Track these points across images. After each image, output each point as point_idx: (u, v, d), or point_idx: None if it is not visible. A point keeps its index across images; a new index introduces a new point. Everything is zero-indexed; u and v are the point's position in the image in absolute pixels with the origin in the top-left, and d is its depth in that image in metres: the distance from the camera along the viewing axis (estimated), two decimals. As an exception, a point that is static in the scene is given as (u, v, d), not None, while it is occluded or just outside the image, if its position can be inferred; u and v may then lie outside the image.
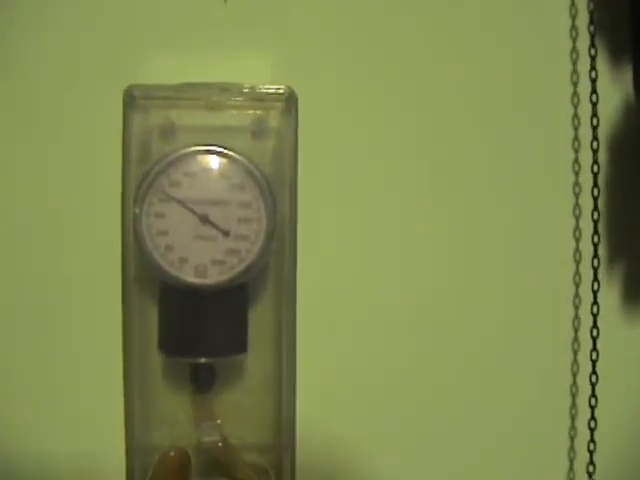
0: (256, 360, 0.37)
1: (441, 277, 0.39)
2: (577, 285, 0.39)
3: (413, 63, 0.39)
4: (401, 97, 0.39)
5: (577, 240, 0.39)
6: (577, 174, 0.39)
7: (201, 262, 0.34)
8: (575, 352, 0.39)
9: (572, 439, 0.39)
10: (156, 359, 0.36)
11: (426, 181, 0.39)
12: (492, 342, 0.39)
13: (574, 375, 0.39)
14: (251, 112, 0.36)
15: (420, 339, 0.39)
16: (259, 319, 0.36)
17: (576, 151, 0.39)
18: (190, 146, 0.35)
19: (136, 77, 0.36)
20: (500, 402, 0.39)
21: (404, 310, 0.39)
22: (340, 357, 0.38)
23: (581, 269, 0.39)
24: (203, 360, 0.35)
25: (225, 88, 0.35)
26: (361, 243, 0.39)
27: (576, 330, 0.39)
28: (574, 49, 0.39)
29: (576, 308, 0.39)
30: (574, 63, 0.39)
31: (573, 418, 0.39)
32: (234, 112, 0.36)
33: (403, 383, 0.39)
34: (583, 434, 0.39)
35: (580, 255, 0.39)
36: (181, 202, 0.34)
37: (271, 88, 0.35)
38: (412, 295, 0.39)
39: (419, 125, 0.39)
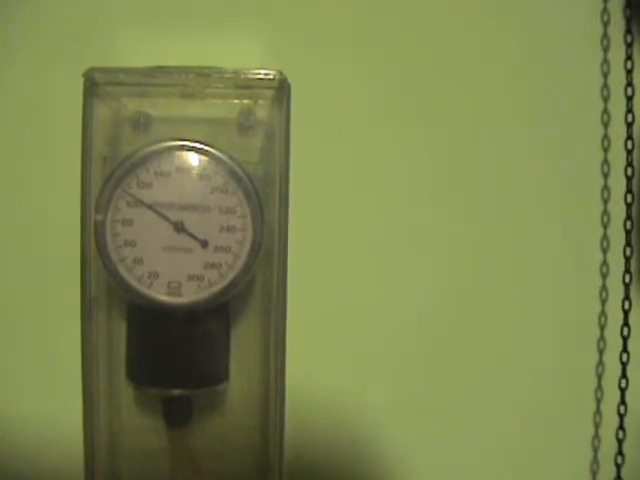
0: (238, 390, 0.33)
1: (458, 289, 0.35)
2: (604, 302, 0.36)
3: (422, 46, 0.35)
4: (410, 87, 0.35)
5: (605, 252, 0.36)
6: (606, 177, 0.36)
7: (175, 278, 0.30)
8: (599, 377, 0.36)
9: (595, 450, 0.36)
10: (124, 390, 0.33)
11: (438, 183, 0.35)
12: (510, 366, 0.35)
13: (597, 403, 0.35)
14: (235, 102, 0.32)
15: (431, 357, 0.35)
16: (241, 343, 0.33)
17: (605, 151, 0.36)
18: (163, 141, 0.31)
19: (100, 60, 0.31)
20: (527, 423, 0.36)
21: (408, 335, 0.35)
22: (335, 386, 0.34)
23: (609, 285, 0.36)
24: (177, 392, 0.31)
25: (204, 73, 0.30)
26: (362, 256, 0.35)
27: (601, 353, 0.36)
28: (605, 35, 0.35)
29: (602, 329, 0.36)
30: (605, 51, 0.36)
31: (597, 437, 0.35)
32: (215, 102, 0.32)
33: (408, 409, 0.35)
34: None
35: (608, 269, 0.36)
36: (152, 207, 0.30)
37: (259, 73, 0.30)
38: (417, 319, 0.35)
39: (429, 119, 0.35)
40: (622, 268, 0.35)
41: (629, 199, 0.35)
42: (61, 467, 0.34)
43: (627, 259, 0.35)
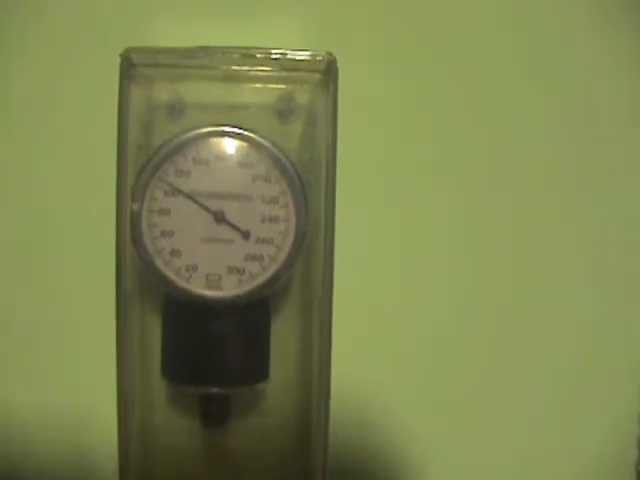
0: (279, 388, 0.31)
1: (504, 300, 0.33)
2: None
3: (477, 31, 0.33)
4: (467, 72, 0.33)
5: None
6: None
7: (214, 271, 0.29)
8: None
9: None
10: (159, 388, 0.31)
11: (499, 177, 0.33)
12: (554, 365, 0.34)
13: None
14: (277, 86, 0.30)
15: (476, 361, 0.33)
16: (281, 339, 0.31)
17: None
18: (201, 127, 0.29)
19: (138, 41, 0.29)
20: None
21: (456, 329, 0.33)
22: (382, 385, 0.32)
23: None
24: (216, 390, 0.30)
25: (249, 54, 0.29)
26: (413, 249, 0.33)
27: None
28: None
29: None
30: None
31: None
32: (258, 85, 0.30)
33: (454, 410, 0.33)
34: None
35: None
36: (191, 196, 0.29)
37: (307, 54, 0.29)
38: (467, 314, 0.33)
39: (487, 107, 0.33)
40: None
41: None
42: (95, 466, 0.32)
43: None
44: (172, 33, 0.31)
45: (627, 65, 0.33)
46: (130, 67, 0.29)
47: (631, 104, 0.33)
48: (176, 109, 0.30)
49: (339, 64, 0.29)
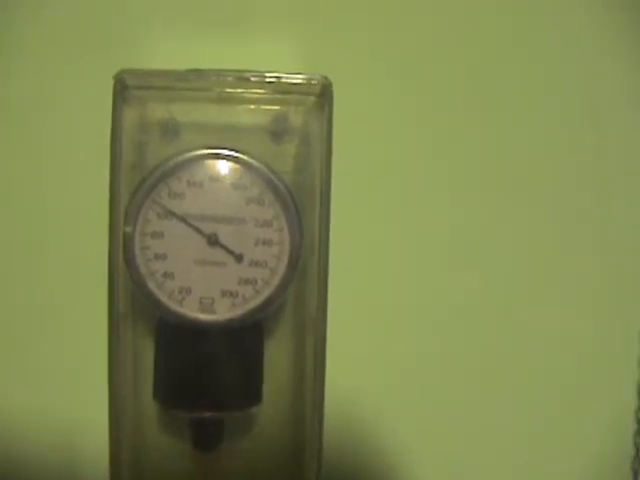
0: (272, 412, 0.31)
1: (506, 299, 0.33)
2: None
3: (472, 48, 0.33)
4: (461, 92, 0.33)
5: None
6: None
7: (208, 294, 0.29)
8: None
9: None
10: (151, 411, 0.31)
11: (487, 193, 0.33)
12: (557, 380, 0.33)
13: None
14: (270, 108, 0.30)
15: (471, 376, 0.33)
16: (274, 363, 0.31)
17: None
18: (195, 149, 0.29)
19: (131, 63, 0.29)
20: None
21: (452, 348, 0.33)
22: (377, 408, 0.32)
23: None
24: (208, 414, 0.29)
25: (243, 77, 0.28)
26: (409, 271, 0.33)
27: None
28: None
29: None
30: None
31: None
32: (252, 107, 0.30)
33: (450, 431, 0.33)
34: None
35: None
36: (184, 219, 0.29)
37: (302, 78, 0.29)
38: (464, 332, 0.33)
39: (481, 124, 0.33)
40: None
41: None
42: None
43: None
44: (166, 55, 0.31)
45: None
46: (123, 89, 0.29)
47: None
48: (170, 130, 0.30)
49: (334, 86, 0.29)
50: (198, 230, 0.29)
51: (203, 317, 0.29)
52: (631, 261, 0.33)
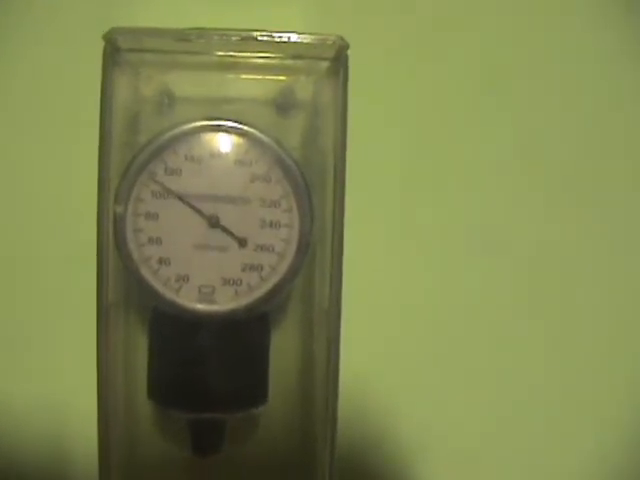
0: (279, 413, 0.29)
1: (535, 294, 0.31)
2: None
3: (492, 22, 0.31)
4: (482, 63, 0.31)
5: None
6: None
7: (207, 282, 0.27)
8: None
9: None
10: (145, 412, 0.29)
11: (519, 175, 0.31)
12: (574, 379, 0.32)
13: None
14: (282, 77, 0.27)
15: (491, 374, 0.31)
16: (282, 358, 0.29)
17: None
18: (195, 120, 0.27)
19: (123, 21, 0.26)
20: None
21: (470, 341, 0.31)
22: (393, 407, 0.30)
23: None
24: (208, 415, 0.27)
25: (249, 37, 0.26)
26: (431, 257, 0.31)
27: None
28: None
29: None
30: None
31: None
32: (256, 76, 0.27)
33: (466, 428, 0.31)
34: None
35: None
36: (182, 198, 0.26)
37: (314, 38, 0.26)
38: (483, 326, 0.31)
39: (509, 106, 0.31)
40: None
41: None
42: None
43: None
44: (164, 14, 0.28)
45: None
46: (115, 52, 0.26)
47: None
48: (165, 99, 0.27)
49: (350, 50, 0.26)
50: (197, 211, 0.26)
51: (202, 307, 0.26)
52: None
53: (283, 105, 0.28)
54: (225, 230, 0.26)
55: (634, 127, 0.32)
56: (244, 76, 0.28)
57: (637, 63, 0.32)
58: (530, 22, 0.31)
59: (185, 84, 0.27)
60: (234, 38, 0.26)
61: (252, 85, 0.28)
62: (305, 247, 0.27)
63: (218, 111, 0.27)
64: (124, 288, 0.28)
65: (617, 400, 0.31)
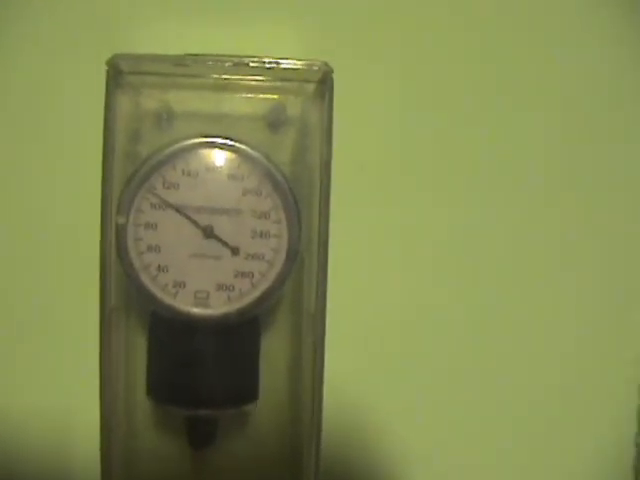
0: (268, 410, 0.30)
1: (500, 309, 0.32)
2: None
3: (476, 38, 0.32)
4: (468, 80, 0.32)
5: None
6: None
7: (202, 287, 0.28)
8: None
9: None
10: (144, 408, 0.30)
11: (497, 188, 0.32)
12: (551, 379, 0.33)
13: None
14: (272, 96, 0.29)
15: (472, 378, 0.32)
16: (271, 359, 0.30)
17: None
18: (191, 137, 0.28)
19: (125, 47, 0.28)
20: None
21: (451, 345, 0.32)
22: (376, 405, 0.31)
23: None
24: (203, 412, 0.29)
25: (241, 63, 0.27)
26: (411, 266, 0.32)
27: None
28: None
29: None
30: None
31: None
32: (249, 95, 0.29)
33: (449, 428, 0.32)
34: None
35: None
36: (179, 210, 0.28)
37: (301, 64, 0.28)
38: (464, 329, 0.32)
39: (485, 117, 0.32)
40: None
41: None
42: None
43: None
44: (162, 40, 0.30)
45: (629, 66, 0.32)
46: (117, 74, 0.28)
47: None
48: (164, 118, 0.29)
49: (335, 74, 0.28)
50: (193, 221, 0.28)
51: (197, 311, 0.28)
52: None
53: (274, 122, 0.29)
54: (219, 240, 0.28)
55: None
56: (238, 96, 0.29)
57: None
58: (515, 38, 0.32)
59: (183, 103, 0.29)
60: (227, 64, 0.27)
61: (245, 104, 0.29)
62: (293, 256, 0.28)
63: (214, 128, 0.28)
64: (125, 293, 0.29)
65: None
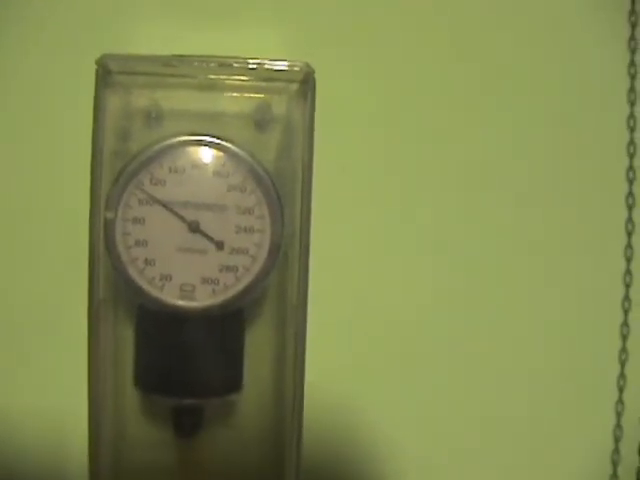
0: (252, 400, 0.31)
1: (482, 294, 0.33)
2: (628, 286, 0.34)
3: (456, 39, 0.33)
4: (446, 80, 0.33)
5: (629, 260, 0.34)
6: (632, 183, 0.34)
7: (188, 281, 0.29)
8: (622, 365, 0.34)
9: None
10: (132, 397, 0.31)
11: (479, 187, 0.33)
12: (530, 361, 0.34)
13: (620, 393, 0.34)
14: (257, 96, 0.30)
15: (454, 373, 0.33)
16: (255, 350, 0.31)
17: (631, 157, 0.34)
18: (178, 135, 0.29)
19: (114, 48, 0.29)
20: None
21: (433, 340, 0.33)
22: (356, 396, 0.32)
23: (632, 294, 0.34)
24: (188, 401, 0.30)
25: (226, 63, 0.28)
26: (388, 260, 0.33)
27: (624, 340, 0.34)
28: (633, 37, 0.34)
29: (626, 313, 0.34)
30: (632, 52, 0.34)
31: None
32: (235, 94, 0.30)
33: (430, 422, 0.33)
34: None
35: (631, 277, 0.34)
36: (166, 205, 0.29)
37: (284, 64, 0.29)
38: (446, 325, 0.33)
39: (463, 117, 0.33)
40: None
41: (658, 206, 0.34)
42: (67, 476, 0.32)
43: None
44: (150, 41, 0.31)
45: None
46: (106, 74, 0.28)
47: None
48: (153, 117, 0.30)
49: (317, 74, 0.29)
50: (179, 217, 0.29)
51: (183, 304, 0.29)
52: (616, 261, 0.34)
53: (260, 121, 0.30)
54: (204, 234, 0.29)
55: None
56: (224, 95, 0.30)
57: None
58: (499, 37, 0.33)
59: (171, 102, 0.30)
60: (212, 64, 0.28)
61: (231, 103, 0.30)
62: (276, 250, 0.29)
63: (202, 127, 0.29)
64: (113, 286, 0.30)
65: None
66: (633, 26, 0.34)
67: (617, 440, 0.34)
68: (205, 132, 0.29)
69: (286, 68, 0.28)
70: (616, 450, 0.34)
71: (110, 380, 0.30)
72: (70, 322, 0.30)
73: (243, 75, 0.29)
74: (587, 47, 0.33)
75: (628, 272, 0.34)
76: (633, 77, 0.34)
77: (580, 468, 0.34)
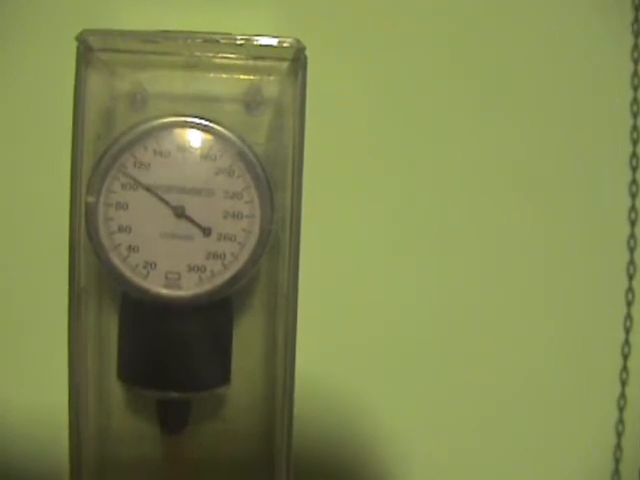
0: (241, 393, 0.30)
1: (475, 286, 0.33)
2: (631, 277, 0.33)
3: (452, 22, 0.32)
4: (439, 62, 0.32)
5: (632, 250, 0.34)
6: (635, 170, 0.33)
7: (174, 268, 0.28)
8: (625, 359, 0.33)
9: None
10: (115, 391, 0.30)
11: (467, 171, 0.32)
12: (531, 355, 0.33)
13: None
14: (247, 77, 0.29)
15: (444, 362, 0.32)
16: (244, 342, 0.30)
17: (635, 143, 0.33)
18: (163, 117, 0.28)
19: (95, 23, 0.28)
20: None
21: (423, 328, 0.32)
22: (348, 390, 0.31)
23: (634, 285, 0.33)
24: (174, 395, 0.28)
25: (212, 39, 0.27)
26: (382, 247, 0.32)
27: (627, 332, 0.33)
28: (636, 19, 0.33)
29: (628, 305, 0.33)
30: (636, 36, 0.33)
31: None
32: (224, 75, 0.29)
33: (422, 412, 0.32)
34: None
35: (635, 268, 0.33)
36: (150, 189, 0.28)
37: (273, 41, 0.27)
38: (437, 315, 0.32)
39: (455, 104, 0.32)
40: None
41: (661, 195, 0.33)
42: (46, 472, 0.31)
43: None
44: (133, 16, 0.30)
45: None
46: (87, 51, 0.27)
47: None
48: (138, 99, 0.29)
49: (308, 54, 0.28)
50: (164, 201, 0.27)
51: (168, 293, 0.28)
52: (619, 251, 0.33)
53: (251, 103, 0.29)
54: (190, 220, 0.27)
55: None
56: (212, 75, 0.29)
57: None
58: (494, 26, 0.32)
59: (156, 82, 0.29)
60: (197, 40, 0.27)
61: (220, 83, 0.29)
62: (265, 237, 0.28)
63: (188, 108, 0.28)
64: (96, 275, 0.29)
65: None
66: (637, 9, 0.33)
67: (619, 436, 0.33)
68: (192, 113, 0.28)
69: (276, 44, 0.27)
70: (618, 446, 0.33)
71: (93, 372, 0.29)
72: (51, 311, 0.29)
73: (231, 52, 0.28)
74: (590, 31, 0.33)
75: (631, 263, 0.34)
76: (636, 61, 0.33)
77: (582, 464, 0.33)
